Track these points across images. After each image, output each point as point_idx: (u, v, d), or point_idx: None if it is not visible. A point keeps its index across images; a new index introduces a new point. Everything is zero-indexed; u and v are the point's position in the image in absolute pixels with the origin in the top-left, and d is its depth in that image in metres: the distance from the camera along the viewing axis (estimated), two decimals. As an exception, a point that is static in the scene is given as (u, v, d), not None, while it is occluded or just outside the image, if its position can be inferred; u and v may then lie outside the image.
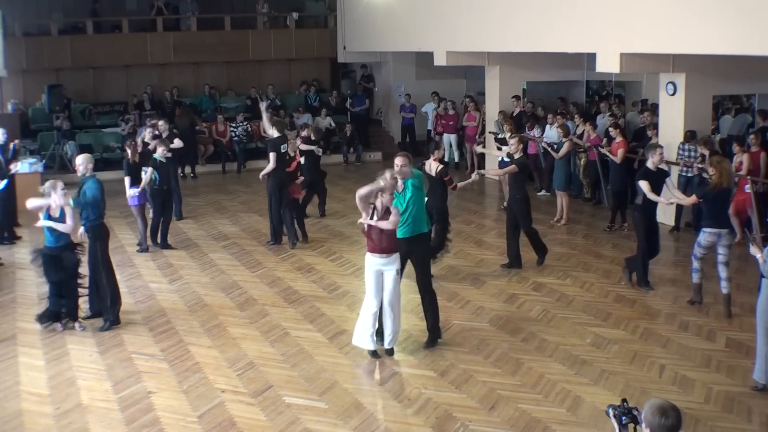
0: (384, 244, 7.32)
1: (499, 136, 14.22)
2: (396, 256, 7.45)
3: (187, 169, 17.69)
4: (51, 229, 8.06)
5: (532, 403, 6.63)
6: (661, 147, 9.60)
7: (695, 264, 8.80)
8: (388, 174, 7.27)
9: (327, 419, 6.41)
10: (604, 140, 13.03)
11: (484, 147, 15.37)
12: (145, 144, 12.30)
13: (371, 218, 7.26)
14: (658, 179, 9.21)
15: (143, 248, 11.55)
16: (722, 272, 8.53)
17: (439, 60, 16.20)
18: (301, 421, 6.37)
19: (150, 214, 11.83)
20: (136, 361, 7.60)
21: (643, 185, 9.03)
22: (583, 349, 7.76)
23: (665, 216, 12.48)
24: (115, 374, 7.31)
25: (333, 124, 19.41)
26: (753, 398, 6.61)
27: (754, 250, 6.74)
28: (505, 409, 6.52)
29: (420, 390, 6.90)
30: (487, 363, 7.47)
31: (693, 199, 9.01)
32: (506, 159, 11.66)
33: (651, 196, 9.01)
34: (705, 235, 8.53)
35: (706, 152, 11.06)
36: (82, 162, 8.39)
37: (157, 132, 13.28)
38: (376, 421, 6.35)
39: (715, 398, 6.66)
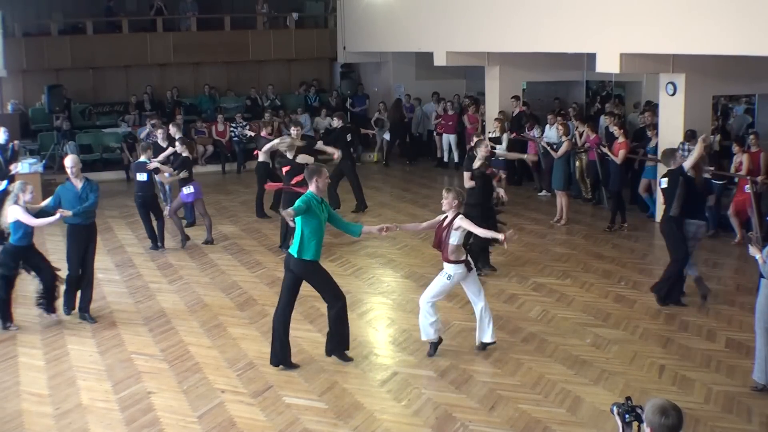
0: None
1: (490, 135, 14.37)
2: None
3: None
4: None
5: (532, 403, 6.63)
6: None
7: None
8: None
9: (327, 419, 6.40)
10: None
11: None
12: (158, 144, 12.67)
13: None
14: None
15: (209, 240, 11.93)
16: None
17: (439, 60, 16.20)
18: (301, 421, 6.36)
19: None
20: (136, 361, 7.60)
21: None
22: (583, 349, 7.76)
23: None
24: (115, 374, 7.31)
25: (333, 125, 19.35)
26: (753, 398, 6.62)
27: (753, 251, 6.72)
28: (505, 410, 6.52)
29: (420, 390, 6.90)
30: (487, 363, 7.47)
31: None
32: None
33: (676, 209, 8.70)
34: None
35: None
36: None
37: (159, 134, 13.25)
38: (376, 421, 6.35)
39: (715, 398, 6.66)
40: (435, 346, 7.61)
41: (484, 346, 7.68)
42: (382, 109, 19.54)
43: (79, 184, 8.62)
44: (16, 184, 8.49)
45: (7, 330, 8.42)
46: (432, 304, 7.49)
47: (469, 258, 7.61)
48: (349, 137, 11.60)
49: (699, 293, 8.96)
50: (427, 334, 7.55)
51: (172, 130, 12.94)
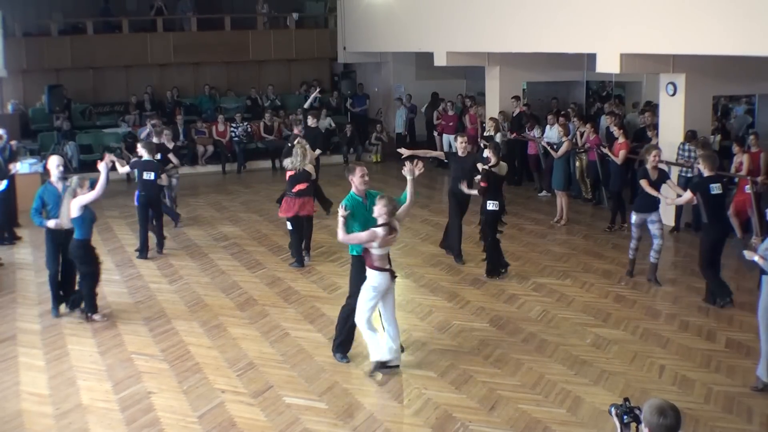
0: None
1: (485, 134, 14.45)
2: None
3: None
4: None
5: (532, 403, 6.63)
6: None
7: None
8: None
9: (327, 419, 6.41)
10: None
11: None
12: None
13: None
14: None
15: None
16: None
17: (439, 60, 16.21)
18: (301, 421, 6.37)
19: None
20: (136, 362, 7.60)
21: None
22: (583, 349, 7.76)
23: (665, 217, 12.48)
24: (115, 374, 7.31)
25: (333, 125, 19.39)
26: (753, 398, 6.62)
27: (748, 255, 6.71)
28: (505, 410, 6.52)
29: (420, 390, 6.90)
30: (487, 363, 7.47)
31: (688, 196, 8.91)
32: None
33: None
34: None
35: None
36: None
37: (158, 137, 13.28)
38: (376, 421, 6.36)
39: (715, 398, 6.66)
40: (383, 365, 7.15)
41: (381, 365, 7.16)
42: (379, 130, 19.63)
43: (60, 185, 8.69)
44: (74, 179, 8.43)
45: (88, 321, 8.57)
46: (369, 324, 7.07)
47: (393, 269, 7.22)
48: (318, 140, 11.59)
49: (649, 273, 9.69)
50: (378, 353, 7.14)
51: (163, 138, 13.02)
